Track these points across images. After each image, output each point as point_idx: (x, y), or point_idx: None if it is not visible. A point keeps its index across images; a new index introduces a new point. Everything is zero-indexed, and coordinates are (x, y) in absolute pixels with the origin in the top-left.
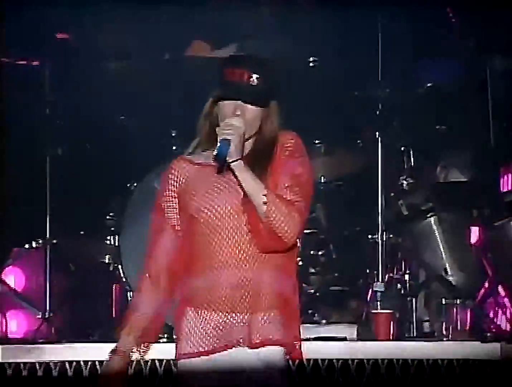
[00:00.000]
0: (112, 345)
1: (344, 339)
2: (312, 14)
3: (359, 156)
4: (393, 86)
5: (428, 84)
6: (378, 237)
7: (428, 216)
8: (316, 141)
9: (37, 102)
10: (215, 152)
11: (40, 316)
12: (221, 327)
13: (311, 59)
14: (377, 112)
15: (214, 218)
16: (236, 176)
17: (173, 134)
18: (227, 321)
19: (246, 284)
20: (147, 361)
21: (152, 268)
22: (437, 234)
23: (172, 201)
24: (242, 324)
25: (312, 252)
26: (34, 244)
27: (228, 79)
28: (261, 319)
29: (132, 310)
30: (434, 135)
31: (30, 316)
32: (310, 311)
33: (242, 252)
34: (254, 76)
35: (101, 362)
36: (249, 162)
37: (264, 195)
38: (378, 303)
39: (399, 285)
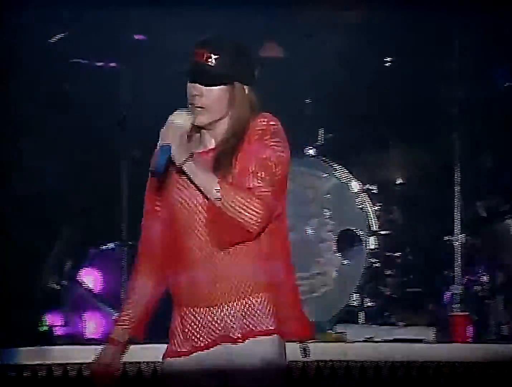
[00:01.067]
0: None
1: (421, 341)
2: (389, 14)
3: (436, 157)
4: (470, 87)
5: (506, 84)
6: (455, 238)
7: (506, 217)
8: (391, 142)
9: (114, 105)
10: (153, 166)
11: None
12: (200, 326)
13: (388, 59)
14: (455, 113)
15: (185, 211)
16: (187, 176)
17: None
18: (206, 318)
19: (220, 277)
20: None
21: (140, 252)
22: None
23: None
24: (220, 319)
25: (388, 254)
26: (110, 245)
27: (191, 60)
28: (240, 310)
29: (126, 297)
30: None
31: (107, 317)
32: (386, 313)
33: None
34: (213, 56)
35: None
36: (219, 150)
37: (217, 188)
38: (456, 305)
39: (476, 287)
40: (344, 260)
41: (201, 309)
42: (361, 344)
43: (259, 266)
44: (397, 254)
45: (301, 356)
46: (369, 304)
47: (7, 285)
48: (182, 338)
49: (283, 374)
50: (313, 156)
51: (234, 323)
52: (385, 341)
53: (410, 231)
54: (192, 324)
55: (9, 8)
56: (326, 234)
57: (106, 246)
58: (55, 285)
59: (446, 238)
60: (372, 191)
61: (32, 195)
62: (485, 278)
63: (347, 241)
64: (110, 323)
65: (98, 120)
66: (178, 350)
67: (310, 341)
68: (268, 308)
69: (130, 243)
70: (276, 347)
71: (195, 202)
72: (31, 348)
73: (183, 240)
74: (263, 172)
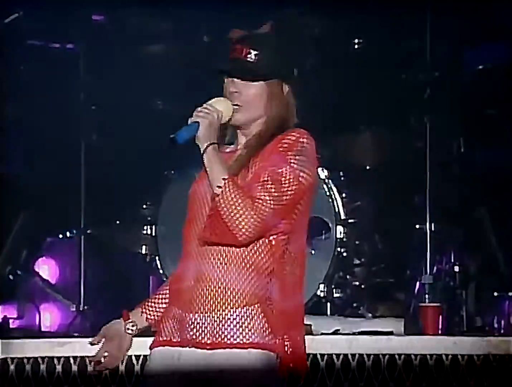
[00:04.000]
0: (149, 339)
1: (391, 333)
2: None
3: (406, 141)
4: (442, 69)
5: (479, 67)
6: (426, 226)
7: (479, 205)
8: (361, 126)
9: (72, 87)
10: (178, 134)
11: (74, 309)
12: (176, 322)
13: (356, 41)
14: (425, 96)
15: (196, 202)
16: (203, 162)
17: None
18: (183, 317)
19: (206, 280)
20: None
21: None
22: (488, 224)
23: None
24: (194, 322)
25: (356, 242)
26: (68, 234)
27: (230, 56)
28: (219, 319)
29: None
30: (483, 120)
31: (64, 309)
32: (355, 304)
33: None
34: (253, 52)
35: (137, 356)
36: (245, 147)
37: (219, 184)
38: (426, 295)
39: (448, 277)
40: (312, 249)
41: (181, 310)
42: (328, 337)
43: (256, 279)
44: (366, 243)
45: None
46: (336, 294)
47: None
48: (163, 329)
49: None
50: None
51: (207, 330)
52: (353, 333)
53: (379, 219)
54: (174, 318)
55: None
56: None
57: (64, 235)
58: (10, 275)
59: (417, 226)
60: (340, 178)
61: None
62: (456, 268)
63: (315, 229)
64: (67, 315)
65: (55, 104)
66: (160, 339)
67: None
68: (259, 321)
69: (88, 231)
70: (263, 363)
71: (204, 193)
72: None
73: (188, 231)
74: (273, 187)
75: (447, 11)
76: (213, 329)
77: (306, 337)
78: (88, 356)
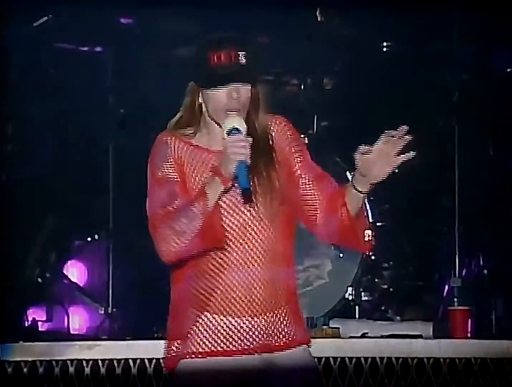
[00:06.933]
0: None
1: (420, 336)
2: None
3: (434, 144)
4: (470, 72)
5: (508, 70)
6: (454, 229)
7: (508, 207)
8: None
9: (100, 90)
10: (239, 183)
11: (102, 312)
12: (236, 331)
13: (384, 44)
14: (454, 98)
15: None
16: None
17: None
18: (245, 325)
19: (261, 284)
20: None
21: None
22: None
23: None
24: (261, 327)
25: (385, 246)
26: (96, 237)
27: (214, 63)
28: (278, 320)
29: None
30: None
31: (93, 312)
32: (383, 307)
33: (249, 249)
34: (241, 54)
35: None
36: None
37: (194, 205)
38: (455, 299)
39: (477, 280)
40: (339, 252)
41: (240, 318)
42: (356, 340)
43: (289, 274)
44: (394, 246)
45: None
46: (365, 298)
47: None
48: (214, 339)
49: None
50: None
51: (274, 333)
52: (381, 336)
53: (407, 222)
54: (227, 329)
55: None
56: None
57: (92, 237)
58: (38, 278)
59: (445, 228)
60: None
61: (15, 182)
62: (485, 271)
63: None
64: (96, 317)
65: (83, 107)
66: (209, 350)
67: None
68: (297, 316)
69: (116, 234)
70: (311, 357)
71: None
72: (14, 344)
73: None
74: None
75: (475, 13)
76: (279, 330)
77: (334, 340)
78: (116, 359)
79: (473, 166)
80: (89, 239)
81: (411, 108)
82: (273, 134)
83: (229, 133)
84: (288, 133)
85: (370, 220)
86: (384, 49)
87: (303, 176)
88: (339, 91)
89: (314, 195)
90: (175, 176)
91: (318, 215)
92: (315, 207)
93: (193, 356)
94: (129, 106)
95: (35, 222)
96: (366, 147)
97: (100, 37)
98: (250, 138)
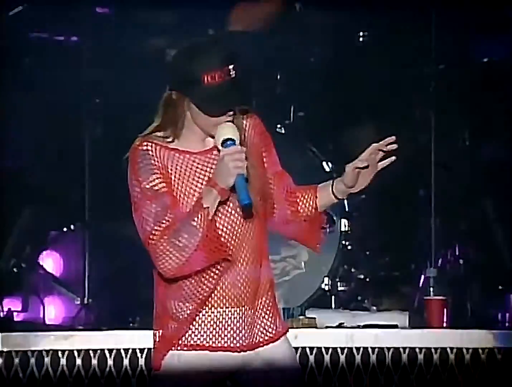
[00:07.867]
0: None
1: (395, 326)
2: None
3: (410, 135)
4: (447, 63)
5: (484, 60)
6: (431, 219)
7: (484, 198)
8: (366, 120)
9: (76, 80)
10: (240, 199)
11: (78, 302)
12: (219, 323)
13: (360, 34)
14: (430, 89)
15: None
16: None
17: None
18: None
19: (247, 280)
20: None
21: None
22: (493, 218)
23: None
24: (243, 319)
25: (361, 236)
26: (72, 227)
27: (208, 82)
28: (262, 312)
29: None
30: (488, 113)
31: (69, 302)
32: (359, 297)
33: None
34: (231, 67)
35: (141, 350)
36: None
37: (194, 219)
38: (431, 289)
39: (452, 270)
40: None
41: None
42: (332, 330)
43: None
44: (371, 236)
45: None
46: (341, 288)
47: None
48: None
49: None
50: (283, 134)
51: (256, 324)
52: (358, 326)
53: (384, 212)
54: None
55: None
56: None
57: (68, 228)
58: (14, 268)
59: (421, 219)
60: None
61: None
62: (461, 261)
63: None
64: (72, 308)
65: (59, 97)
66: (198, 343)
67: None
68: (276, 307)
69: (92, 224)
70: (291, 348)
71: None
72: None
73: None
74: None
75: (452, 4)
76: (269, 323)
77: (311, 330)
78: (92, 349)
79: (449, 157)
80: (65, 229)
81: (388, 98)
82: (247, 130)
83: (223, 144)
84: (258, 128)
85: (347, 210)
86: (361, 39)
87: (267, 171)
88: (316, 82)
89: (273, 189)
90: (163, 187)
91: (275, 211)
92: (272, 202)
93: (179, 348)
94: (105, 97)
95: (11, 212)
96: (358, 161)
97: (76, 27)
98: (244, 148)
